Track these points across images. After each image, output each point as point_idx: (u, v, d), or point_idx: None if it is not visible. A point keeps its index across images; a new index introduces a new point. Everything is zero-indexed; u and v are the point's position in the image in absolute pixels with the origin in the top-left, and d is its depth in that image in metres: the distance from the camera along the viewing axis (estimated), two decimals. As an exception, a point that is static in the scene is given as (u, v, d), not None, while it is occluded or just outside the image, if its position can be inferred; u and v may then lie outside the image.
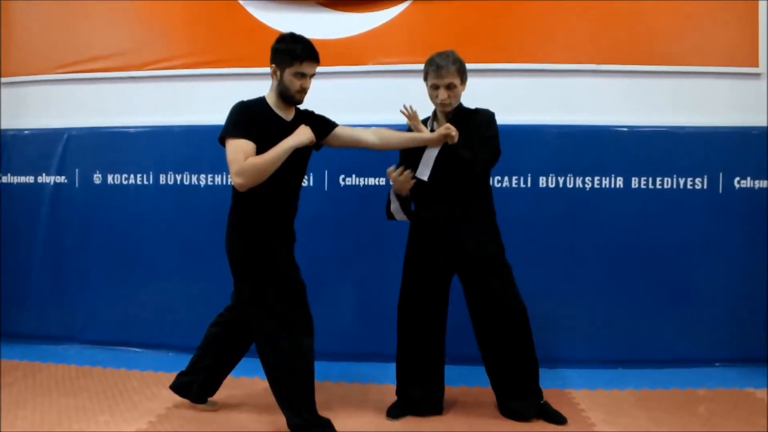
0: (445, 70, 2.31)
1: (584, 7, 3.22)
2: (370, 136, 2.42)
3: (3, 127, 3.63)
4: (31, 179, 3.53)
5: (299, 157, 2.26)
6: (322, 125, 2.38)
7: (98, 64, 3.52)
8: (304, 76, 2.21)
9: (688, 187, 3.12)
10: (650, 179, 3.13)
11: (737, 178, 3.11)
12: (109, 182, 3.43)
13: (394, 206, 2.49)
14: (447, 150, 2.30)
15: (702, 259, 3.13)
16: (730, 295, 3.12)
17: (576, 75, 3.25)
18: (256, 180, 2.09)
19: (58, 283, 3.52)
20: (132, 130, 3.43)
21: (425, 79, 2.42)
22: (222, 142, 2.17)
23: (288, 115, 2.29)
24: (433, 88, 2.37)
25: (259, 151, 2.11)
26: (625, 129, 3.17)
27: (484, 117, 2.41)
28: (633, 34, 3.22)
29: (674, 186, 3.12)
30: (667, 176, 3.13)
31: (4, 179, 3.57)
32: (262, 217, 2.23)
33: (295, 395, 2.23)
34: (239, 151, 2.08)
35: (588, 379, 2.95)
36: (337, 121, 2.46)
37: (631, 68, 3.22)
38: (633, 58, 3.22)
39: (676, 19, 3.19)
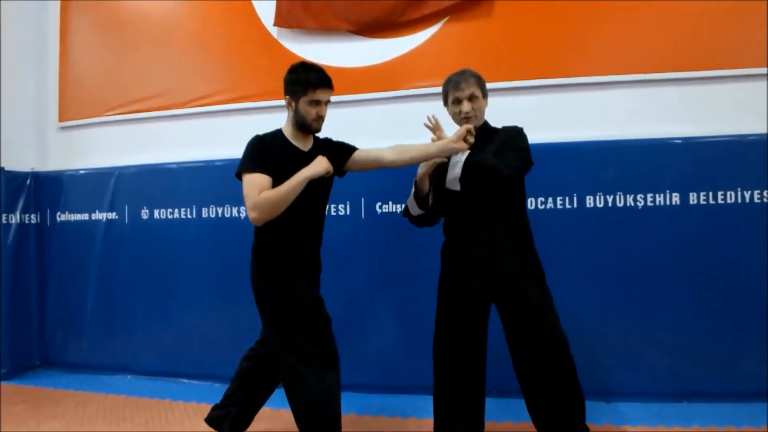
0: (464, 83, 2.26)
1: (625, 14, 3.04)
2: (389, 153, 2.36)
3: (60, 168, 3.89)
4: (86, 216, 3.74)
5: (320, 187, 2.22)
6: (341, 152, 2.35)
7: (143, 105, 3.72)
8: (319, 103, 2.19)
9: (755, 200, 2.83)
10: (710, 194, 2.88)
11: (812, 190, 2.79)
12: (155, 217, 3.57)
13: (410, 198, 2.40)
14: (471, 165, 2.18)
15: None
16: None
17: (620, 86, 3.06)
18: (272, 213, 2.07)
19: (111, 314, 3.67)
20: (175, 165, 3.56)
21: (445, 101, 2.36)
22: (239, 177, 2.17)
23: (306, 146, 2.27)
24: (456, 104, 2.30)
25: (279, 183, 2.09)
26: (680, 141, 2.93)
27: (512, 131, 2.29)
28: (681, 38, 3.00)
29: (738, 200, 2.85)
30: (730, 190, 2.86)
31: (63, 217, 3.80)
32: (283, 251, 2.20)
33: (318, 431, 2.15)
34: (254, 185, 2.08)
35: (647, 414, 2.71)
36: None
37: (680, 75, 3.00)
38: (683, 64, 2.99)
39: (728, 18, 2.95)
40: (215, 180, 3.43)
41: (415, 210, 2.42)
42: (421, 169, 2.33)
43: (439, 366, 2.40)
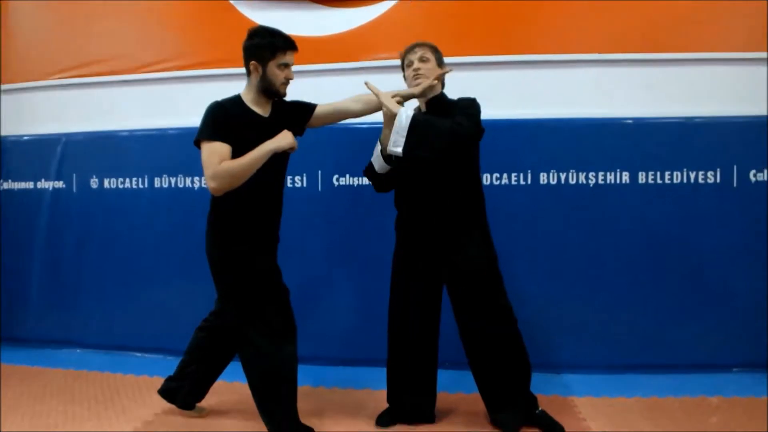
0: (418, 47, 2.31)
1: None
2: (353, 105, 2.37)
3: (3, 134, 3.68)
4: (30, 185, 3.57)
5: (280, 158, 2.19)
6: (301, 111, 2.33)
7: (93, 68, 3.53)
8: (287, 66, 2.17)
9: (700, 181, 2.94)
10: (658, 174, 2.96)
11: (753, 171, 2.91)
12: (105, 186, 3.44)
13: (376, 155, 2.36)
14: (418, 124, 2.12)
15: (716, 257, 2.95)
16: (750, 296, 2.92)
17: (577, 65, 3.09)
18: (231, 184, 2.03)
19: (58, 286, 3.54)
20: (126, 133, 3.43)
21: (403, 69, 2.37)
22: (197, 144, 2.12)
23: (265, 111, 2.23)
24: (408, 66, 2.32)
25: (239, 150, 2.05)
26: (630, 121, 3.01)
27: (464, 101, 2.30)
28: (636, 20, 3.04)
29: (684, 180, 2.95)
30: (677, 170, 2.95)
31: (5, 185, 3.62)
32: (241, 221, 2.17)
33: (274, 404, 2.17)
34: (214, 154, 2.03)
35: (593, 385, 2.81)
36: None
37: (635, 56, 3.05)
38: (637, 45, 3.04)
39: (681, 4, 3.01)
40: (168, 149, 3.32)
41: (380, 165, 2.36)
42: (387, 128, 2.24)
43: (393, 339, 2.45)
